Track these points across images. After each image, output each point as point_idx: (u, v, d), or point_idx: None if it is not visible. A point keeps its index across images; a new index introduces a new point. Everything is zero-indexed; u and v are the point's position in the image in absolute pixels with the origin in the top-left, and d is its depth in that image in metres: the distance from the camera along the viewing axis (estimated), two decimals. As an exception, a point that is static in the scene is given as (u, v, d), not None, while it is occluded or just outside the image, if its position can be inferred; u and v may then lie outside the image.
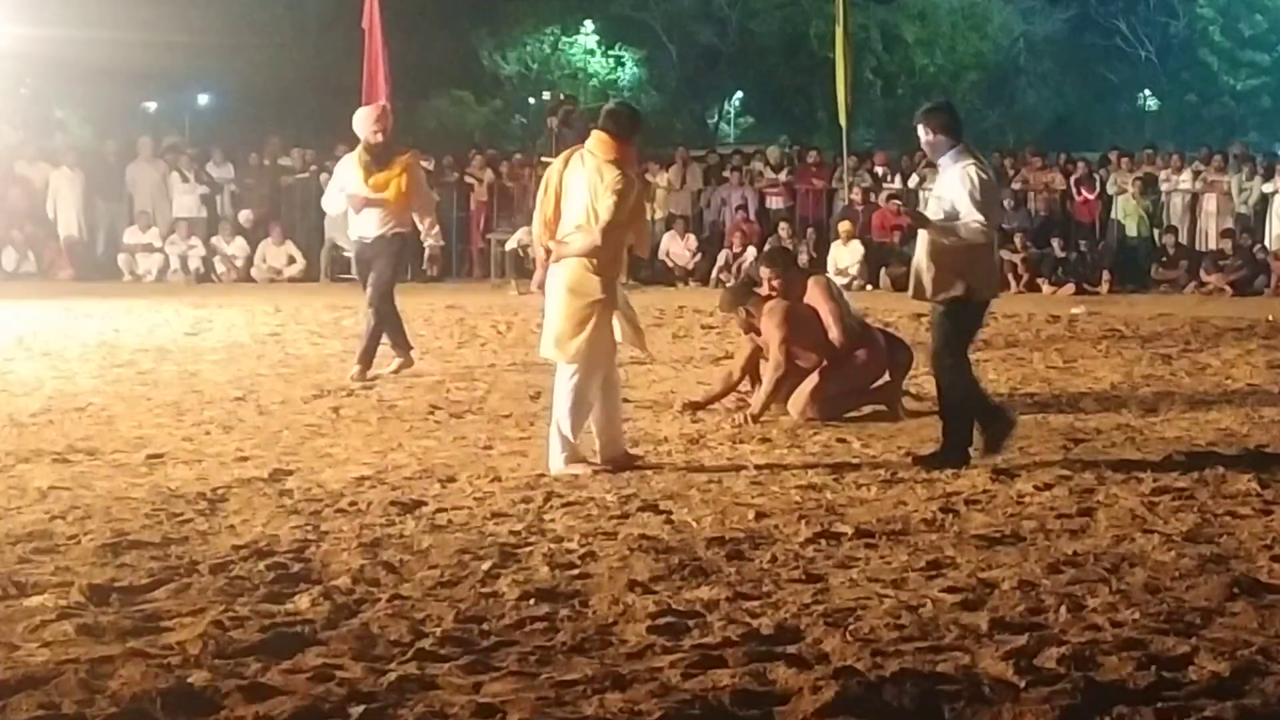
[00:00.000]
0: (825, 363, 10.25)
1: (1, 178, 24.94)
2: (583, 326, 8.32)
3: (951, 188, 8.49)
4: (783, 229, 23.12)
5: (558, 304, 8.39)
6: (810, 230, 23.45)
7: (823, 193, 24.69)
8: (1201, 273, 21.63)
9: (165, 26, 34.79)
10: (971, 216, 8.35)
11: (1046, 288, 21.70)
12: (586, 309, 8.32)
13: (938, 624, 5.45)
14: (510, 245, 22.67)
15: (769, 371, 10.22)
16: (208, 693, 4.73)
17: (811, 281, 10.62)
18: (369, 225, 12.43)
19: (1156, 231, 22.98)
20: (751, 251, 22.87)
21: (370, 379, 12.03)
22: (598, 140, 8.37)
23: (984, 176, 8.45)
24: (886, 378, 10.48)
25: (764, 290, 10.58)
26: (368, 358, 12.28)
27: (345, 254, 23.63)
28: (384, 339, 12.47)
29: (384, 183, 12.31)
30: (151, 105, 47.05)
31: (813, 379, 10.21)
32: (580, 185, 8.33)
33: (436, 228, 13.04)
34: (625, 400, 10.99)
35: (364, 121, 12.59)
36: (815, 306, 10.37)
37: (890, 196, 23.43)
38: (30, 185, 24.85)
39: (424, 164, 25.36)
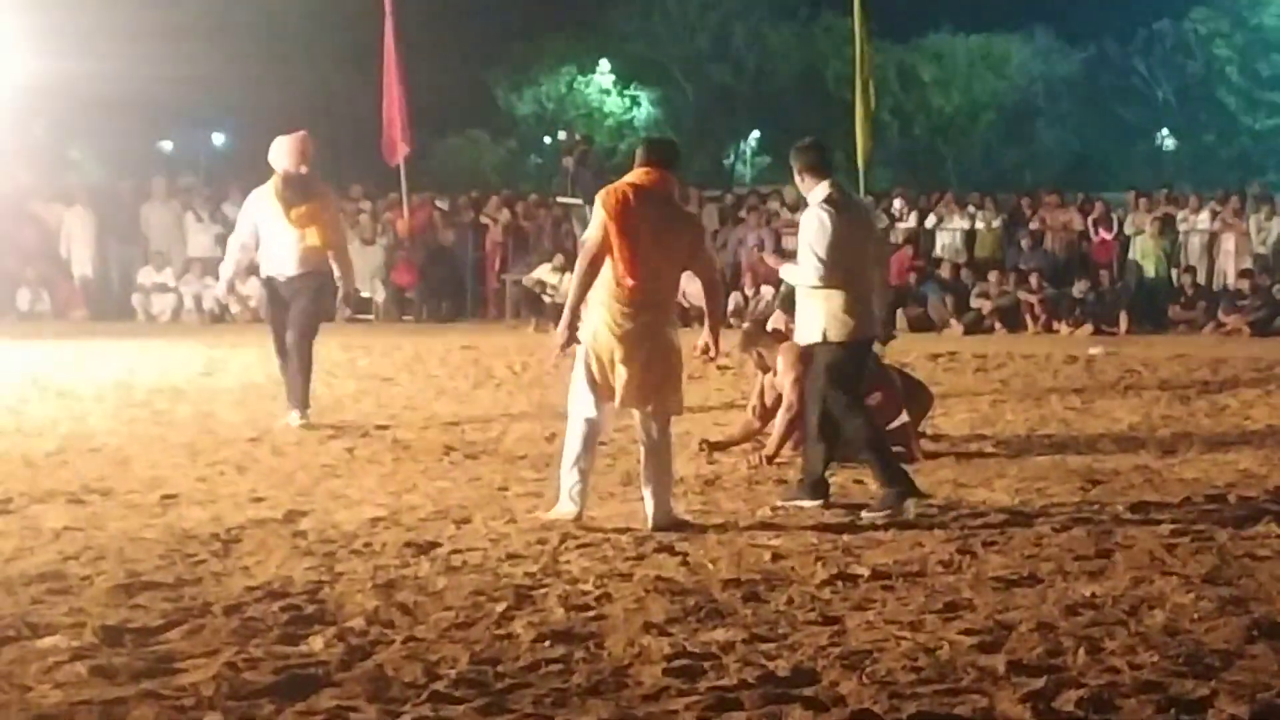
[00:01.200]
0: None
1: (16, 217, 25.11)
2: (680, 378, 8.33)
3: (801, 229, 8.61)
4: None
5: (663, 360, 8.11)
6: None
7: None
8: (1220, 313, 21.57)
9: (181, 65, 34.99)
10: (805, 260, 8.45)
11: (1064, 328, 21.66)
12: (679, 360, 8.31)
13: (955, 666, 5.42)
14: (529, 280, 22.70)
15: (781, 412, 10.19)
16: (220, 735, 4.72)
17: None
18: (288, 263, 11.56)
19: (1174, 272, 22.95)
20: (766, 291, 22.89)
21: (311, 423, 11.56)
22: (667, 180, 8.17)
23: (825, 219, 8.40)
24: (904, 418, 10.43)
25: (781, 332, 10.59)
26: (302, 399, 11.65)
27: (362, 295, 23.86)
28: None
29: (306, 217, 11.50)
30: (167, 145, 47.32)
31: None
32: (664, 231, 8.05)
33: (351, 269, 12.12)
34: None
35: (285, 152, 11.61)
36: None
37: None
38: (44, 225, 25.02)
39: (439, 204, 25.70)
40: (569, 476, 8.05)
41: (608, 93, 54.66)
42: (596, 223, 8.04)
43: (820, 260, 8.38)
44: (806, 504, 8.49)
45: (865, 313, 8.55)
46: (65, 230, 24.70)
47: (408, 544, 7.47)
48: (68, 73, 29.01)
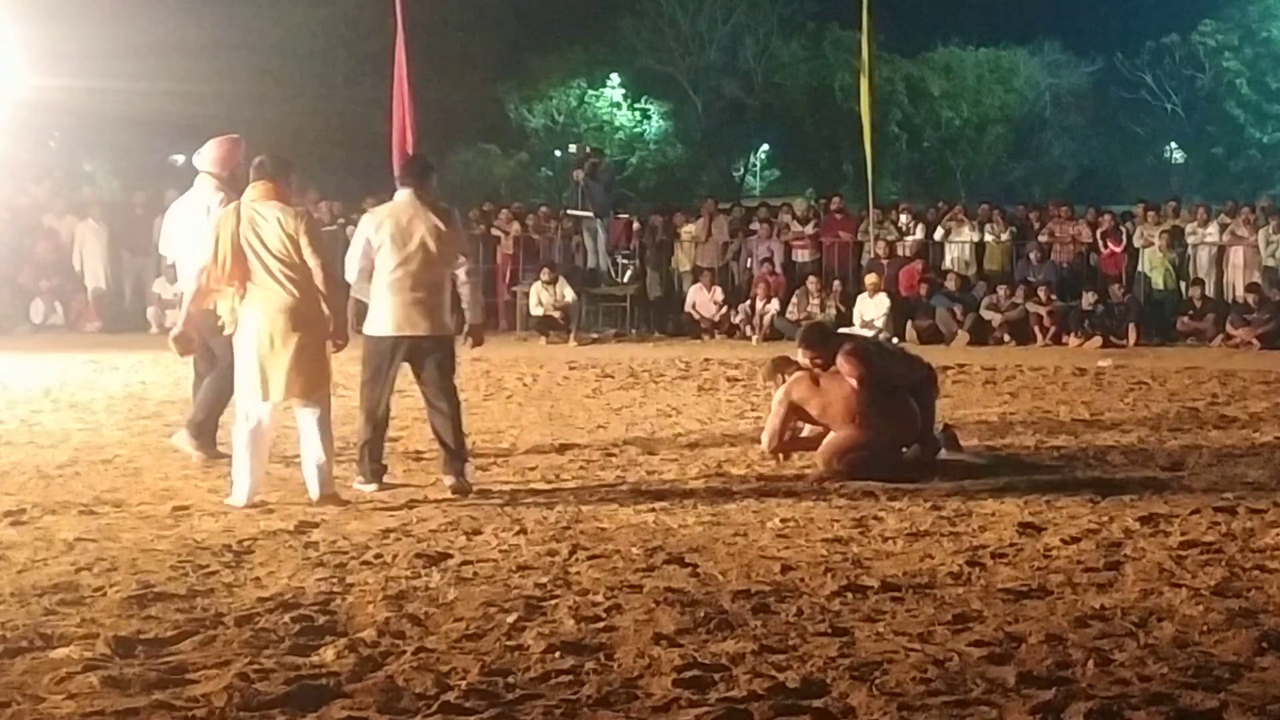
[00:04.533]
0: (855, 420, 10.25)
1: (29, 230, 25.23)
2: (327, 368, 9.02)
3: None
4: (810, 282, 23.18)
5: (313, 353, 8.84)
6: (836, 283, 23.49)
7: (849, 245, 24.72)
8: (1228, 326, 21.58)
9: (193, 79, 35.07)
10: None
11: (1073, 340, 21.68)
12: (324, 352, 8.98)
13: (964, 678, 5.43)
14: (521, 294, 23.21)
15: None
16: (233, 745, 4.74)
17: (841, 351, 10.51)
18: None
19: (1183, 284, 22.96)
20: (775, 304, 22.97)
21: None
22: (275, 189, 8.95)
23: (360, 224, 9.53)
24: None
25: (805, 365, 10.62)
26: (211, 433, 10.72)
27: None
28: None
29: None
30: (179, 158, 47.39)
31: (841, 434, 10.20)
32: (265, 233, 8.83)
33: None
34: (651, 453, 11.06)
35: (226, 155, 10.66)
36: (846, 375, 10.38)
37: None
38: (58, 238, 25.11)
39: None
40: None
41: (618, 106, 54.65)
42: (211, 243, 8.86)
43: (347, 260, 9.44)
44: (367, 489, 9.31)
45: (398, 312, 9.24)
46: (78, 243, 24.80)
47: (418, 555, 7.50)
48: (81, 88, 29.10)
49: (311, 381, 8.83)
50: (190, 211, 10.62)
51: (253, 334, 8.82)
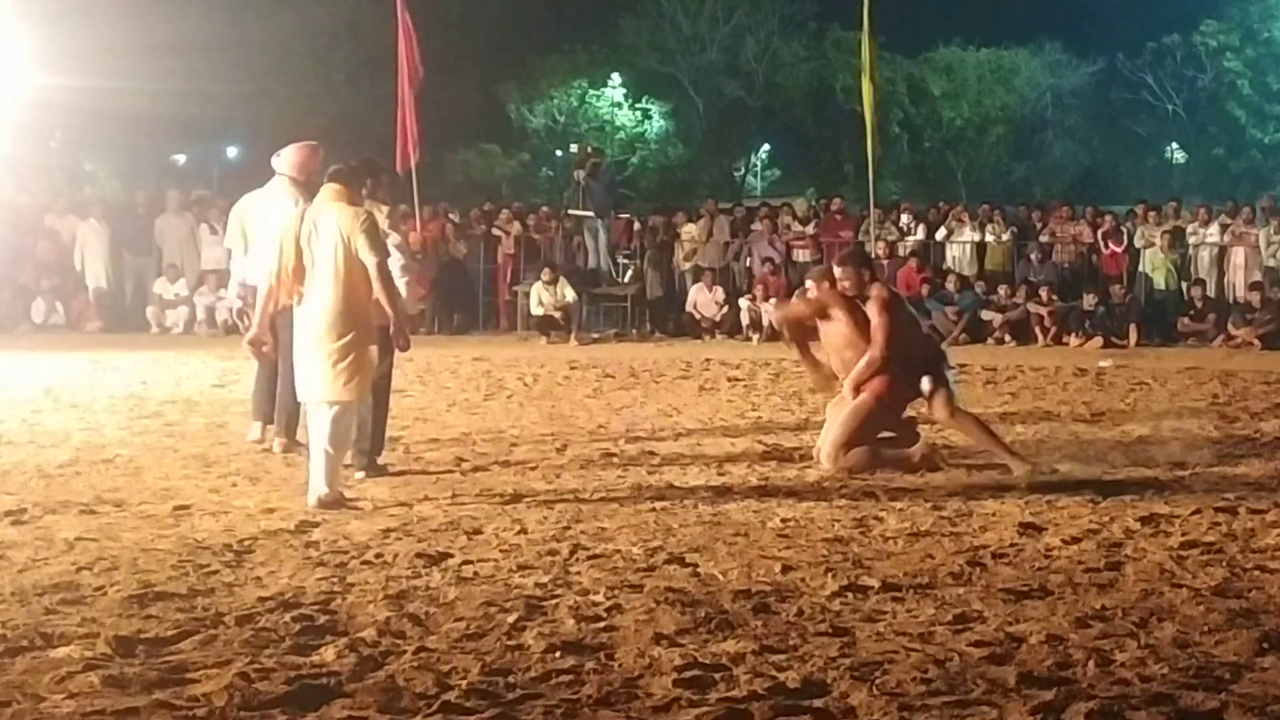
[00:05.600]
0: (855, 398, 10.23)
1: (30, 230, 25.25)
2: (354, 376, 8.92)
3: None
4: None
5: (335, 354, 8.80)
6: (837, 283, 23.43)
7: (850, 245, 24.67)
8: (1229, 326, 21.58)
9: (195, 79, 35.08)
10: None
11: (1074, 341, 21.68)
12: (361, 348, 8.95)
13: (965, 678, 5.43)
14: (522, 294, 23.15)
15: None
16: (233, 745, 4.73)
17: (874, 288, 10.46)
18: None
19: (1184, 284, 22.96)
20: (773, 303, 22.99)
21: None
22: (338, 193, 8.97)
23: None
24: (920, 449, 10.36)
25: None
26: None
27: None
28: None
29: None
30: (180, 158, 47.42)
31: (842, 430, 10.18)
32: (318, 237, 8.87)
33: None
34: (652, 453, 11.05)
35: (302, 160, 10.92)
36: (870, 315, 10.30)
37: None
38: (59, 238, 25.15)
39: (452, 216, 25.76)
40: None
41: (619, 106, 54.72)
42: (278, 247, 9.03)
43: None
44: (356, 475, 9.65)
45: None
46: (79, 243, 24.84)
47: (419, 555, 7.49)
48: (82, 87, 29.11)
49: (329, 387, 8.79)
50: (268, 210, 10.71)
51: (295, 332, 8.97)
